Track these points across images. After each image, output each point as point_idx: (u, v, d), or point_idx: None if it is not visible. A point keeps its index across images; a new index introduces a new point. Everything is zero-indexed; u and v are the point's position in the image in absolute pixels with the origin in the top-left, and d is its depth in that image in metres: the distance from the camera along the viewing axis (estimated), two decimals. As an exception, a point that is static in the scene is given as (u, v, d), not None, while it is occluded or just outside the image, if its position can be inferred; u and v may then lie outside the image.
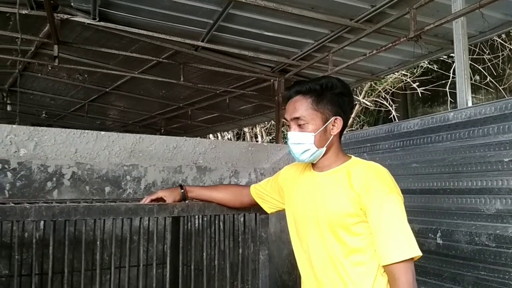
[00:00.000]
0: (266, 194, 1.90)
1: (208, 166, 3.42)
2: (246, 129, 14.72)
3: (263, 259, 1.98)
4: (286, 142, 1.74)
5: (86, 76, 7.29)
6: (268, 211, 1.93)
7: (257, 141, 14.20)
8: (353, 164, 1.61)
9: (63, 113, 10.38)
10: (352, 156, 1.66)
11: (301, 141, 1.59)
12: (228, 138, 15.53)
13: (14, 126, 2.79)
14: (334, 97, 1.60)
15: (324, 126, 1.59)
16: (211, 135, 14.39)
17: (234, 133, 15.47)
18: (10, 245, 2.35)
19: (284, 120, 1.68)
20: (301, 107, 1.60)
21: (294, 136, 1.61)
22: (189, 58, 5.92)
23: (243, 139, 15.01)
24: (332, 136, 1.61)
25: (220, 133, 15.19)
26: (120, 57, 6.06)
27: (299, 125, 1.60)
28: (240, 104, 8.47)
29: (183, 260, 1.92)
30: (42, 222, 2.27)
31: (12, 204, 1.56)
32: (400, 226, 1.45)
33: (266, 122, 12.87)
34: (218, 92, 7.47)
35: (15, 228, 2.28)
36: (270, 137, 14.40)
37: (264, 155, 3.78)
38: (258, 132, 14.89)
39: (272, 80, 6.58)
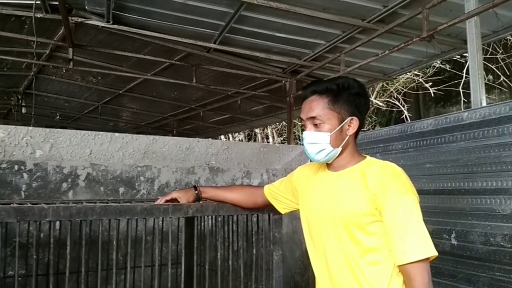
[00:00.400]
0: (280, 194, 1.90)
1: (221, 167, 3.43)
2: (257, 130, 14.73)
3: (277, 260, 1.99)
4: (301, 142, 1.74)
5: (99, 78, 7.37)
6: (282, 211, 1.93)
7: (268, 142, 14.20)
8: (368, 164, 1.61)
9: (77, 115, 10.50)
10: (367, 156, 1.66)
11: (317, 141, 1.59)
12: (239, 139, 15.56)
13: (30, 128, 2.82)
14: (350, 97, 1.60)
15: (340, 126, 1.59)
16: (222, 136, 14.44)
17: (245, 134, 15.50)
18: (27, 245, 2.38)
19: (300, 120, 1.68)
20: (317, 106, 1.60)
21: (309, 135, 1.61)
22: (201, 60, 5.95)
23: (254, 140, 15.03)
24: (348, 136, 1.62)
25: (232, 134, 15.23)
26: (133, 60, 6.12)
27: (315, 125, 1.60)
28: (251, 105, 8.50)
29: (197, 260, 1.94)
30: (58, 223, 2.31)
31: (30, 205, 1.59)
32: (416, 226, 1.44)
33: (277, 123, 12.88)
34: (229, 93, 7.50)
35: (32, 228, 2.34)
36: (281, 138, 14.40)
37: (276, 156, 3.78)
38: (269, 133, 14.90)
39: (283, 81, 6.59)
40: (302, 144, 1.68)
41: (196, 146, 3.38)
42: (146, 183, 3.09)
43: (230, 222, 2.04)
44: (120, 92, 8.01)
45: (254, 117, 9.55)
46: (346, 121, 1.60)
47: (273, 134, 14.68)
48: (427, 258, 1.43)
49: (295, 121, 7.63)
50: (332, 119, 1.59)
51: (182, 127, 11.29)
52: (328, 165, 1.69)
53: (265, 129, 14.77)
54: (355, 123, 1.62)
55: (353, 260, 1.53)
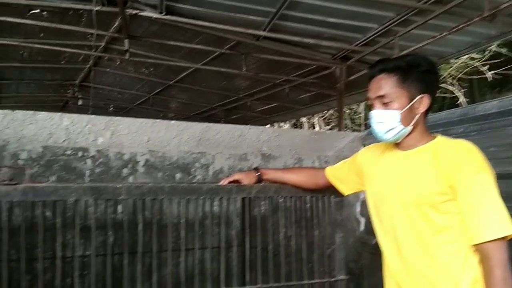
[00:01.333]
0: (344, 175, 1.89)
1: (272, 153, 3.44)
2: (303, 119, 14.64)
3: (339, 242, 1.98)
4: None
5: (151, 69, 7.55)
6: (345, 192, 1.92)
7: (315, 131, 14.08)
8: (440, 143, 1.57)
9: (129, 107, 10.82)
10: (438, 135, 1.62)
11: (386, 120, 1.56)
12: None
13: (92, 116, 2.93)
14: (420, 75, 1.56)
15: (410, 104, 1.55)
16: (268, 126, 14.46)
17: (292, 123, 15.44)
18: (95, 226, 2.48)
19: (368, 100, 1.65)
20: (386, 85, 1.57)
21: (378, 114, 1.58)
22: (250, 48, 5.96)
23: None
24: (418, 114, 1.57)
25: (278, 124, 15.21)
26: (184, 50, 6.20)
27: (384, 104, 1.57)
28: (299, 93, 8.41)
29: (256, 242, 1.95)
30: (119, 206, 2.39)
31: (103, 184, 1.66)
32: (493, 204, 1.40)
33: (324, 112, 12.73)
34: (277, 81, 7.47)
35: (99, 209, 2.43)
36: (329, 127, 14.24)
37: (327, 143, 3.74)
38: (316, 122, 14.77)
39: (333, 68, 6.48)
40: (370, 126, 1.64)
41: (248, 133, 3.40)
42: (201, 169, 3.15)
43: (291, 204, 2.04)
44: (170, 83, 8.17)
45: (302, 105, 9.46)
46: (416, 99, 1.56)
47: (319, 123, 14.55)
48: (505, 237, 1.38)
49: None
50: (401, 97, 1.55)
51: (230, 117, 11.39)
52: (397, 145, 1.66)
53: (311, 118, 14.65)
54: (426, 100, 1.57)
55: (427, 239, 1.50)
